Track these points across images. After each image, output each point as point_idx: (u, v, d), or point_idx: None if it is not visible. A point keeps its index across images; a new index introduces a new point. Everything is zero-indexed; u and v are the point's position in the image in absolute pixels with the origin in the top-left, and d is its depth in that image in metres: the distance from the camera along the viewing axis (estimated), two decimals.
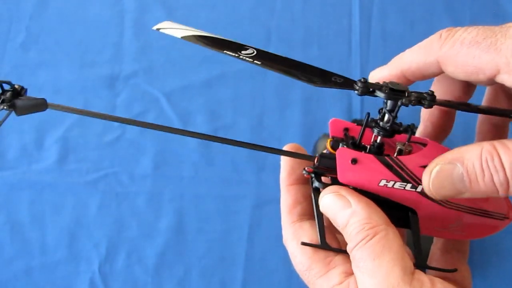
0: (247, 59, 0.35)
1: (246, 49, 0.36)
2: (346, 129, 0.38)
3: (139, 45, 0.91)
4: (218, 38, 0.37)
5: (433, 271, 0.37)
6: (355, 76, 0.88)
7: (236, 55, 0.35)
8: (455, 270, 0.35)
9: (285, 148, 0.39)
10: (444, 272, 0.37)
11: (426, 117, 0.40)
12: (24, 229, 0.79)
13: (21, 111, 0.33)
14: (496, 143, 0.30)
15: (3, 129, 0.85)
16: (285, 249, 0.37)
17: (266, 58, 0.35)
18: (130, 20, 0.93)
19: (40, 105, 0.33)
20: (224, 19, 0.93)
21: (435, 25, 0.92)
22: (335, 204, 0.34)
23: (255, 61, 0.35)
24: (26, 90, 0.34)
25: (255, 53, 0.36)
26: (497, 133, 0.39)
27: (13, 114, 0.33)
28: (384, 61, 0.96)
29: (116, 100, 0.87)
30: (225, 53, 0.36)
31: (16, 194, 0.81)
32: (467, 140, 0.36)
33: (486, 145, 0.30)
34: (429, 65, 0.34)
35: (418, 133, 0.41)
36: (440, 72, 0.34)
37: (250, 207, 0.80)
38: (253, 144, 0.37)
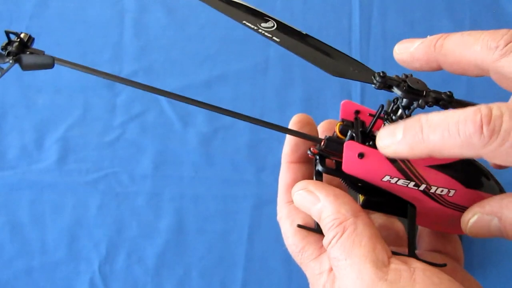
0: (266, 34, 0.34)
1: (266, 21, 0.34)
2: (357, 112, 0.37)
3: (139, 45, 0.91)
4: (238, 2, 0.35)
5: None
6: None
7: (255, 28, 0.34)
8: (444, 265, 0.35)
9: (294, 118, 0.38)
10: (434, 245, 0.37)
11: None
12: (24, 229, 0.79)
13: (27, 67, 0.32)
14: None
15: (3, 129, 0.85)
16: (286, 250, 0.37)
17: (286, 35, 0.34)
18: (130, 20, 0.93)
19: (47, 63, 0.32)
20: (224, 19, 0.92)
21: (435, 25, 0.93)
22: (306, 200, 0.34)
23: (273, 37, 0.34)
24: (33, 39, 0.32)
25: (275, 26, 0.34)
26: None
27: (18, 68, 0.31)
28: (384, 61, 0.96)
29: (116, 100, 0.87)
30: (244, 23, 0.34)
31: (16, 194, 0.81)
32: None
33: None
34: (466, 156, 0.29)
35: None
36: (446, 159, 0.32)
37: (250, 207, 0.80)
38: (256, 119, 0.37)
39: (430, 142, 0.29)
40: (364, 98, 0.84)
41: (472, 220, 0.32)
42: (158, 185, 0.81)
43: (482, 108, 0.27)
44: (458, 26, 0.92)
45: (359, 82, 0.87)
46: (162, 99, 0.86)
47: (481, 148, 0.27)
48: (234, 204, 0.80)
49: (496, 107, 0.27)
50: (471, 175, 0.34)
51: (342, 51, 0.34)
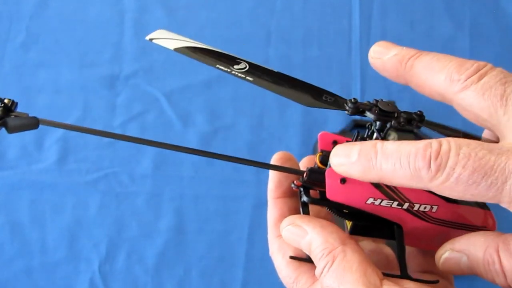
0: (239, 75, 0.35)
1: (238, 63, 0.36)
2: (335, 142, 0.38)
3: (139, 45, 0.91)
4: (211, 50, 0.37)
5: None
6: (355, 76, 0.88)
7: (228, 70, 0.35)
8: (437, 282, 0.35)
9: (275, 156, 0.39)
10: (424, 265, 0.38)
11: None
12: (24, 229, 0.79)
13: (12, 130, 0.33)
14: (501, 244, 0.30)
15: (3, 129, 0.85)
16: (281, 282, 0.37)
17: (258, 74, 0.35)
18: (130, 20, 0.93)
19: (32, 124, 0.33)
20: (224, 19, 0.93)
21: (435, 25, 0.93)
22: (294, 234, 0.35)
23: (247, 77, 0.35)
24: (16, 104, 0.34)
25: (247, 67, 0.36)
26: None
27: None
28: None
29: (116, 100, 0.87)
30: (218, 67, 0.35)
31: (16, 194, 0.81)
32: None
33: (491, 245, 0.30)
34: (417, 185, 0.30)
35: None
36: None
37: (250, 207, 0.80)
38: (238, 158, 0.38)
39: (381, 170, 0.30)
40: (364, 98, 0.84)
41: (444, 256, 0.33)
42: (158, 185, 0.81)
43: (433, 143, 0.28)
44: (458, 26, 0.92)
45: (359, 82, 0.88)
46: (162, 99, 0.86)
47: (429, 182, 0.28)
48: (234, 204, 0.80)
49: (446, 142, 0.28)
50: None
51: (312, 83, 0.36)
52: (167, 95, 0.86)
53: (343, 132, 0.81)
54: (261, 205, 0.80)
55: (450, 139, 0.29)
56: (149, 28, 0.93)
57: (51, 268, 0.77)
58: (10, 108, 0.33)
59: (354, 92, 0.86)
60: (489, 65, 0.31)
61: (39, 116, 0.33)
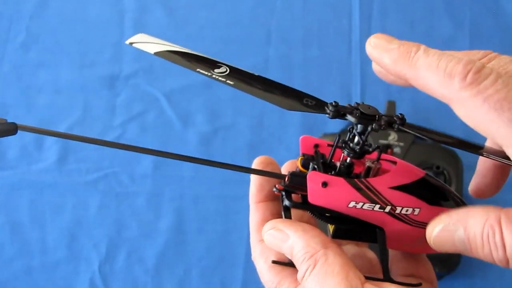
0: (220, 78, 0.35)
1: (219, 67, 0.36)
2: (316, 146, 0.38)
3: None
4: (192, 54, 0.37)
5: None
6: (355, 76, 0.88)
7: (209, 74, 0.35)
8: (420, 285, 0.36)
9: (256, 161, 0.40)
10: (407, 269, 0.38)
11: (479, 170, 0.38)
12: (24, 229, 0.79)
13: None
14: (503, 215, 0.29)
15: None
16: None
17: (239, 78, 0.35)
18: (130, 20, 0.93)
19: (10, 130, 0.33)
20: (224, 19, 0.93)
21: (435, 25, 0.93)
22: (276, 239, 0.35)
23: (227, 81, 0.35)
24: None
25: (227, 71, 0.35)
26: (498, 172, 0.38)
27: None
28: None
29: (116, 100, 0.87)
30: (198, 71, 0.35)
31: (16, 194, 0.81)
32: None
33: (492, 217, 0.29)
34: (438, 94, 0.30)
35: (471, 186, 0.40)
36: (447, 103, 0.31)
37: None
38: (220, 163, 0.38)
39: (415, 65, 0.30)
40: (364, 98, 0.84)
41: (437, 229, 0.32)
42: (158, 185, 0.81)
43: (477, 62, 0.28)
44: (458, 26, 0.92)
45: (359, 82, 0.88)
46: (162, 99, 0.86)
47: (458, 90, 0.28)
48: (234, 204, 0.80)
49: (488, 67, 0.28)
50: (433, 193, 0.35)
51: (294, 87, 0.36)
52: (167, 95, 0.86)
53: (342, 133, 0.81)
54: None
55: (494, 66, 0.29)
56: (149, 28, 0.93)
57: (51, 268, 0.77)
58: None
59: (354, 92, 0.86)
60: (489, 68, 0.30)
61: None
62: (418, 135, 0.34)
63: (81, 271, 0.77)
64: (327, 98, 0.36)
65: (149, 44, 0.40)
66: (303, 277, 0.32)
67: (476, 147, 0.35)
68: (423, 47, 0.30)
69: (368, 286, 0.31)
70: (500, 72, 0.28)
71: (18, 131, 0.32)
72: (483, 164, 0.39)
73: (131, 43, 0.39)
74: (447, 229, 0.31)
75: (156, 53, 0.39)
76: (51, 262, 0.78)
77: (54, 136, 0.36)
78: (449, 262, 0.72)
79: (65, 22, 0.93)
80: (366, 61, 0.89)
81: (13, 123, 0.32)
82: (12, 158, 0.83)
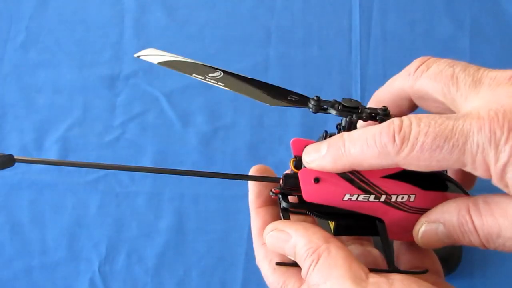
0: (212, 81, 0.37)
1: (214, 72, 0.38)
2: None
3: (139, 45, 0.91)
4: (192, 62, 0.39)
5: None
6: (355, 75, 0.88)
7: (203, 78, 0.37)
8: (426, 271, 0.36)
9: (252, 170, 0.40)
10: (413, 262, 0.38)
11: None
12: (24, 229, 0.79)
13: None
14: (471, 204, 0.32)
15: (3, 129, 0.85)
16: None
17: (230, 80, 0.37)
18: (130, 20, 0.93)
19: (7, 161, 0.33)
20: (224, 19, 0.93)
21: (435, 25, 0.93)
22: (278, 239, 0.35)
23: (218, 83, 0.36)
24: None
25: (221, 75, 0.37)
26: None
27: None
28: (384, 61, 0.96)
29: (116, 100, 0.87)
30: (194, 76, 0.37)
31: (16, 194, 0.81)
32: None
33: (462, 208, 0.32)
34: (385, 166, 0.32)
35: None
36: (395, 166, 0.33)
37: None
38: (216, 173, 0.40)
39: (351, 155, 0.32)
40: (364, 98, 0.84)
41: (421, 230, 0.34)
42: (158, 185, 0.81)
43: (395, 120, 0.30)
44: (458, 26, 0.92)
45: (359, 82, 0.88)
46: (162, 99, 0.86)
47: (396, 156, 0.30)
48: (234, 204, 0.80)
49: (406, 118, 0.30)
50: (426, 178, 0.35)
51: (283, 86, 0.38)
52: (167, 95, 0.86)
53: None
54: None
55: (410, 115, 0.31)
56: (149, 28, 0.93)
57: (51, 268, 0.77)
58: None
59: (354, 92, 0.86)
60: (435, 58, 0.33)
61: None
62: None
63: (81, 271, 0.77)
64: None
65: (154, 56, 0.41)
66: (307, 272, 0.33)
67: None
68: (345, 147, 0.32)
69: (372, 275, 0.31)
70: (417, 115, 0.30)
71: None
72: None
73: (138, 56, 0.41)
74: (429, 228, 0.34)
75: (159, 63, 0.41)
76: (51, 262, 0.78)
77: (51, 164, 0.37)
78: (449, 262, 0.72)
79: (65, 22, 0.93)
80: (366, 61, 0.89)
81: (10, 156, 0.33)
82: None
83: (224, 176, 0.39)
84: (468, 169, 0.30)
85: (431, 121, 0.29)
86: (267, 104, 0.36)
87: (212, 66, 0.38)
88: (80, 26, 0.92)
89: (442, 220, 0.33)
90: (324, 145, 0.33)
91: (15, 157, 0.33)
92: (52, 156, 0.82)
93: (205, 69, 0.38)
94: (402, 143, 0.29)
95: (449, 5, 0.93)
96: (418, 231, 0.34)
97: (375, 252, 0.41)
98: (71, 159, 0.82)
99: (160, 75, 0.88)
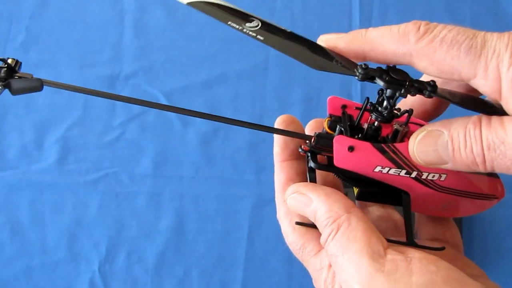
0: (250, 33, 0.35)
1: (251, 21, 0.35)
2: (344, 106, 0.38)
3: (139, 45, 0.91)
4: (225, 5, 0.36)
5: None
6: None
7: (240, 27, 0.35)
8: (443, 248, 0.35)
9: (278, 119, 0.38)
10: (433, 233, 0.38)
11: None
12: (24, 229, 0.79)
13: (16, 92, 0.32)
14: (483, 117, 0.30)
15: (3, 129, 0.85)
16: (286, 249, 0.37)
17: (270, 33, 0.35)
18: (130, 20, 0.93)
19: (36, 87, 0.32)
20: None
21: None
22: (299, 203, 0.35)
23: (257, 36, 0.34)
24: (20, 64, 0.32)
25: (259, 25, 0.35)
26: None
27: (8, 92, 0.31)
28: None
29: None
30: (229, 24, 0.35)
31: (16, 194, 0.81)
32: None
33: (473, 117, 0.31)
34: (399, 55, 0.31)
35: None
36: (407, 64, 0.32)
37: (250, 207, 0.80)
38: (243, 122, 0.38)
39: (369, 37, 0.32)
40: (364, 98, 0.84)
41: (421, 135, 0.32)
42: (158, 185, 0.81)
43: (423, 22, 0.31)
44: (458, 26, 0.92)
45: (359, 82, 0.87)
46: (162, 99, 0.86)
47: (414, 44, 0.30)
48: (234, 204, 0.80)
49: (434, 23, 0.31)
50: None
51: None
52: (167, 95, 0.86)
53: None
54: (261, 205, 0.80)
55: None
56: (149, 28, 0.93)
57: (51, 268, 0.77)
58: (14, 69, 0.31)
59: (354, 92, 0.86)
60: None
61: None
62: (454, 103, 0.34)
63: (81, 271, 0.77)
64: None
65: None
66: (326, 241, 0.33)
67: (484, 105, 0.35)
68: (367, 31, 0.32)
69: (391, 252, 0.31)
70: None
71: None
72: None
73: None
74: (430, 134, 0.32)
75: (189, 3, 0.37)
76: (51, 262, 0.78)
77: (80, 91, 0.35)
78: None
79: (65, 22, 0.93)
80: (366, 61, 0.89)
81: (39, 79, 0.32)
82: (12, 158, 0.83)
83: (254, 126, 0.38)
84: (477, 80, 0.29)
85: (456, 25, 0.30)
86: (311, 67, 0.34)
87: (248, 12, 0.36)
88: (80, 26, 0.92)
89: (449, 127, 0.31)
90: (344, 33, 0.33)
91: (43, 80, 0.32)
92: (52, 156, 0.82)
93: (241, 16, 0.35)
94: (425, 32, 0.30)
95: (449, 5, 0.93)
96: (417, 136, 0.33)
97: (396, 216, 0.40)
98: (71, 159, 0.82)
99: (160, 75, 0.88)
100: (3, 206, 0.80)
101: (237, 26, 0.34)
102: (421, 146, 0.32)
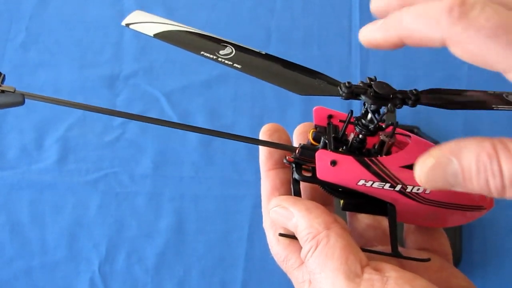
0: (226, 62, 0.34)
1: (224, 47, 0.35)
2: (330, 117, 0.38)
3: (139, 45, 0.91)
4: (194, 32, 0.35)
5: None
6: (355, 75, 0.88)
7: (214, 57, 0.34)
8: (428, 260, 0.35)
9: (263, 129, 0.40)
10: (421, 243, 0.38)
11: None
12: (24, 229, 0.79)
13: None
14: (498, 143, 0.27)
15: (3, 129, 0.85)
16: (273, 258, 0.38)
17: (246, 59, 0.34)
18: None
19: (17, 102, 0.32)
20: (224, 19, 0.93)
21: None
22: (281, 216, 0.35)
23: (234, 65, 0.34)
24: (4, 76, 0.32)
25: (233, 52, 0.35)
26: None
27: None
28: (384, 60, 0.96)
29: (116, 100, 0.87)
30: (202, 54, 0.34)
31: (16, 194, 0.81)
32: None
33: (487, 145, 0.27)
34: (433, 39, 0.28)
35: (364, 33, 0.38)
36: (442, 45, 0.29)
37: (250, 207, 0.80)
38: (228, 134, 0.38)
39: (403, 22, 0.29)
40: None
41: (428, 164, 0.29)
42: (158, 185, 0.81)
43: None
44: None
45: (356, 82, 0.87)
46: (162, 99, 0.86)
47: (448, 28, 0.27)
48: (234, 204, 0.80)
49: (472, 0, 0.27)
50: None
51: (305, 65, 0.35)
52: (167, 95, 0.86)
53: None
54: (261, 205, 0.80)
55: None
56: None
57: (51, 268, 0.77)
58: None
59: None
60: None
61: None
62: (437, 107, 0.33)
63: (81, 271, 0.77)
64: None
65: (147, 24, 0.38)
66: (306, 257, 0.33)
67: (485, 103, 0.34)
68: (404, 9, 0.30)
69: (368, 270, 0.31)
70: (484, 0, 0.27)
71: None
72: None
73: (127, 25, 0.37)
74: (439, 162, 0.29)
75: (156, 35, 0.37)
76: (51, 262, 0.78)
77: (63, 105, 0.35)
78: None
79: (65, 22, 0.93)
80: (366, 61, 0.89)
81: (21, 93, 0.32)
82: (12, 158, 0.83)
83: (241, 139, 0.39)
84: (510, 75, 0.27)
85: (498, 8, 0.26)
86: (297, 93, 0.34)
87: (219, 37, 0.35)
88: (80, 26, 0.92)
89: (458, 155, 0.28)
90: (380, 20, 0.31)
91: (25, 94, 0.32)
92: (52, 156, 0.82)
93: (213, 42, 0.35)
94: (459, 17, 0.26)
95: None
96: (423, 166, 0.30)
97: (386, 224, 0.40)
98: (71, 159, 0.82)
99: (160, 75, 0.89)
100: (3, 206, 0.80)
101: (211, 56, 0.34)
102: (428, 176, 0.30)
